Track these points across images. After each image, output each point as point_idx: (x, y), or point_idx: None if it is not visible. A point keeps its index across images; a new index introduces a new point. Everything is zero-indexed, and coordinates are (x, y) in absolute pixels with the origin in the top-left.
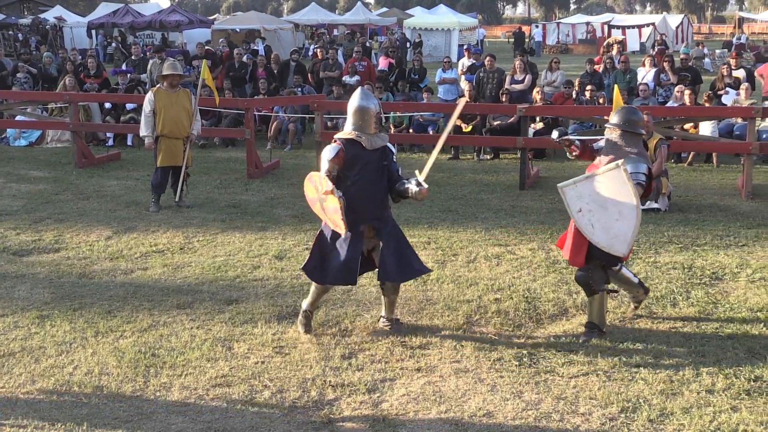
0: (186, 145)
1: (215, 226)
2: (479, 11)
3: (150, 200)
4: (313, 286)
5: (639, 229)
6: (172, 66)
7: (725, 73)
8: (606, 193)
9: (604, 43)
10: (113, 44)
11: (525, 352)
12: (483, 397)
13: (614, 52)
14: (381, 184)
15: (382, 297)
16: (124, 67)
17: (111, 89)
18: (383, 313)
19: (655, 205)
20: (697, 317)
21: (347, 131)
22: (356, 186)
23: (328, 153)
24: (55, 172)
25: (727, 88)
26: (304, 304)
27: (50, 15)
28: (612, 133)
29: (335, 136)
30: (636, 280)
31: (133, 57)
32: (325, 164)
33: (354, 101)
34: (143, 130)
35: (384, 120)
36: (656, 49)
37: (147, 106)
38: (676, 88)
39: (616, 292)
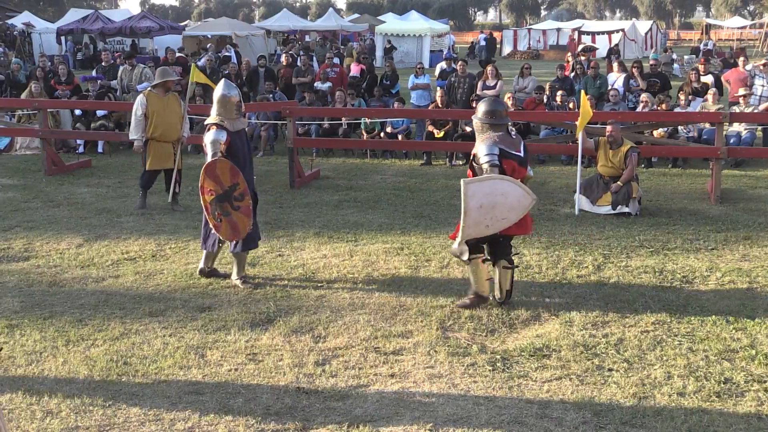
0: (177, 148)
1: (187, 233)
2: (451, 17)
3: (138, 198)
4: (206, 253)
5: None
6: (166, 72)
7: (693, 79)
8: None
9: (578, 49)
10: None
11: (498, 357)
12: (456, 403)
13: (583, 58)
14: (251, 160)
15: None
16: (94, 73)
17: (81, 96)
18: (238, 275)
19: (626, 210)
20: (668, 321)
21: (213, 117)
22: (238, 163)
23: (217, 136)
24: (24, 179)
25: (692, 95)
26: (201, 263)
27: (18, 21)
28: (476, 123)
29: (206, 122)
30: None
31: (103, 63)
32: (216, 147)
33: (218, 91)
34: (134, 133)
35: (241, 109)
36: (610, 58)
37: (139, 110)
38: (641, 97)
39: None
